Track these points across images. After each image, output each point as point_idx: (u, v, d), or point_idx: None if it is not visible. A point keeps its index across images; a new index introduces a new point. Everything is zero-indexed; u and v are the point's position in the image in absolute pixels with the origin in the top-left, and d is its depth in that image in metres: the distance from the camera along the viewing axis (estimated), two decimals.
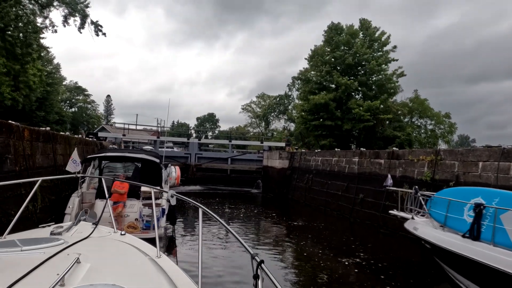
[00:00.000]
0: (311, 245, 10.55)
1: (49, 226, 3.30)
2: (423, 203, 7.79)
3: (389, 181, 10.15)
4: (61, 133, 13.99)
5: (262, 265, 1.74)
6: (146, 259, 2.58)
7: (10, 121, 8.21)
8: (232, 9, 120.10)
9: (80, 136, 20.51)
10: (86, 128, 25.54)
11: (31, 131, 9.17)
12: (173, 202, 3.06)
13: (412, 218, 7.89)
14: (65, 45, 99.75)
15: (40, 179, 3.64)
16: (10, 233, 2.97)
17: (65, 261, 2.13)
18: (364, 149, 15.20)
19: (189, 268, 6.77)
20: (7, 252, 2.37)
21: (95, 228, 3.26)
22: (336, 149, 17.88)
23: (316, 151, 19.73)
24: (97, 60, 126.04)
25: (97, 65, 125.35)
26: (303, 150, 21.83)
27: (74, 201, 8.40)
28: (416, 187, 8.37)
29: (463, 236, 6.09)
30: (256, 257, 1.83)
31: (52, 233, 2.94)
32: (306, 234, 11.91)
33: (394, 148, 13.56)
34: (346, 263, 8.72)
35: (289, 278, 7.77)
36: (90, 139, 19.42)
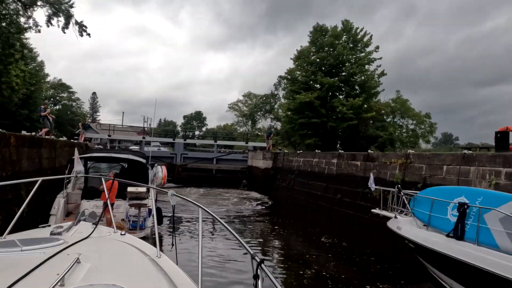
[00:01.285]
0: (298, 244, 10.98)
1: (49, 226, 3.32)
2: (406, 202, 7.76)
3: (371, 181, 9.92)
4: (46, 137, 14.14)
5: (262, 265, 1.74)
6: (146, 259, 2.59)
7: None
8: (280, 13, 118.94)
9: (65, 138, 20.52)
10: (81, 123, 25.00)
11: (17, 137, 9.41)
12: (173, 202, 3.08)
13: (395, 217, 7.85)
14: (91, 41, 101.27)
15: (40, 179, 3.61)
16: (10, 233, 2.96)
17: (65, 261, 2.14)
18: (342, 151, 15.84)
19: (189, 268, 7.12)
20: (7, 252, 2.38)
21: (95, 228, 3.26)
22: (316, 151, 18.49)
23: (298, 152, 20.34)
24: (128, 58, 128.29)
25: (125, 63, 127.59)
26: (286, 151, 22.40)
27: (59, 202, 8.43)
28: (399, 185, 8.34)
29: (447, 235, 6.09)
30: (256, 257, 1.83)
31: (52, 233, 2.93)
32: (292, 232, 12.41)
33: (370, 151, 14.22)
34: (335, 261, 9.05)
35: (289, 278, 7.88)
36: (76, 141, 19.51)
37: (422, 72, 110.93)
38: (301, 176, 18.38)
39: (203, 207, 2.79)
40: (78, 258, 2.18)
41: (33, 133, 12.02)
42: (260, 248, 10.35)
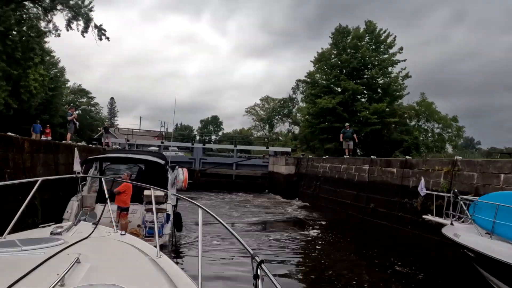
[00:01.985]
0: (315, 248, 10.37)
1: (49, 226, 3.27)
2: (465, 208, 7.23)
3: (422, 186, 9.00)
4: (63, 141, 13.64)
5: (262, 265, 1.73)
6: (146, 259, 2.59)
7: (9, 133, 7.87)
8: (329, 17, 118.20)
9: (83, 143, 20.27)
10: (103, 127, 24.85)
11: (31, 143, 8.85)
12: (173, 202, 2.98)
13: (451, 223, 7.40)
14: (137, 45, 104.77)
15: (40, 179, 3.63)
16: (10, 233, 2.97)
17: (65, 261, 2.15)
18: (375, 157, 14.77)
19: (189, 268, 6.80)
20: (7, 252, 2.39)
21: (95, 228, 3.25)
22: (344, 156, 17.43)
23: (323, 157, 19.30)
24: (167, 65, 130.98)
25: (163, 69, 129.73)
26: (309, 156, 21.41)
27: (72, 205, 7.90)
28: (456, 190, 7.90)
29: None
30: (256, 257, 1.82)
31: (52, 233, 2.95)
32: (312, 240, 11.62)
33: (408, 157, 13.11)
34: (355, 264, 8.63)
35: (289, 278, 7.66)
36: (93, 146, 19.13)
37: (459, 75, 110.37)
38: (328, 183, 17.35)
39: (203, 207, 2.76)
40: (78, 258, 2.19)
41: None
42: (261, 249, 9.96)
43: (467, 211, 7.11)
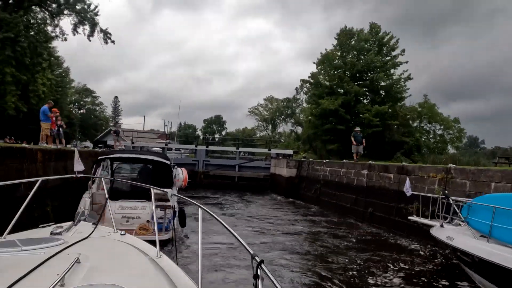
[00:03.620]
0: (315, 249, 10.60)
1: (49, 226, 3.30)
2: (457, 210, 7.14)
3: (408, 186, 9.14)
4: (72, 148, 14.09)
5: (262, 265, 1.73)
6: (146, 259, 2.60)
7: (23, 145, 8.34)
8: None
9: (88, 142, 20.70)
10: (113, 130, 24.99)
11: (43, 152, 9.29)
12: (173, 202, 3.13)
13: (441, 225, 7.32)
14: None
15: (40, 179, 3.68)
16: (10, 233, 2.97)
17: (65, 261, 2.14)
18: (373, 162, 15.11)
19: (189, 268, 6.92)
20: (7, 252, 2.38)
21: (95, 228, 3.26)
22: (344, 160, 17.78)
23: (324, 161, 19.66)
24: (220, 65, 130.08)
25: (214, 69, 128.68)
26: (311, 160, 21.76)
27: (85, 202, 8.38)
28: (446, 191, 7.85)
29: None
30: (256, 257, 1.82)
31: (52, 233, 2.94)
32: (313, 241, 11.94)
33: (404, 163, 13.46)
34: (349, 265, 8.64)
35: (289, 278, 7.72)
36: (100, 149, 19.59)
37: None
38: (328, 186, 17.72)
39: (203, 207, 2.75)
40: (78, 258, 2.18)
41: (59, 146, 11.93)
42: (261, 249, 10.06)
43: (460, 213, 6.98)
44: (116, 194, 8.88)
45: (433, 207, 8.42)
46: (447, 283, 7.89)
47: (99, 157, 10.12)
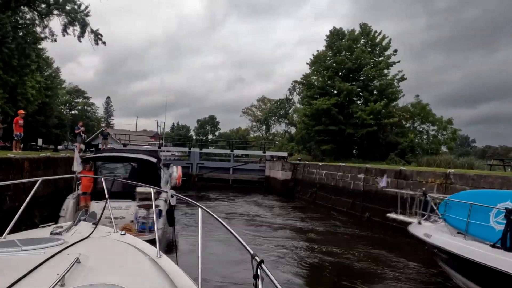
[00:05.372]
0: (315, 249, 10.56)
1: (49, 226, 3.27)
2: (435, 207, 7.10)
3: (384, 182, 9.25)
4: (62, 155, 13.69)
5: (262, 265, 1.73)
6: (146, 259, 2.59)
7: (9, 155, 7.96)
8: None
9: (81, 145, 20.38)
10: (101, 133, 24.59)
11: (30, 161, 8.92)
12: (173, 202, 3.02)
13: (419, 222, 7.27)
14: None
15: (40, 179, 3.63)
16: (10, 233, 2.96)
17: (65, 261, 2.15)
18: (370, 166, 14.96)
19: (189, 268, 6.87)
20: (7, 252, 2.38)
21: (95, 228, 3.25)
22: (340, 164, 17.62)
23: (320, 164, 19.48)
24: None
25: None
26: (306, 162, 21.57)
27: (68, 203, 8.19)
28: (424, 189, 7.83)
29: (493, 246, 5.39)
30: (256, 257, 1.82)
31: (52, 233, 2.93)
32: (312, 242, 11.85)
33: (402, 168, 13.31)
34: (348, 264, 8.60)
35: (289, 278, 7.70)
36: (91, 153, 19.14)
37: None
38: (324, 190, 17.55)
39: (203, 207, 2.74)
40: (78, 258, 2.18)
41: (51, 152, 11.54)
42: (261, 249, 10.03)
43: (437, 210, 6.94)
44: (99, 194, 8.57)
45: (414, 207, 8.31)
46: (424, 280, 7.97)
47: (84, 157, 9.92)
